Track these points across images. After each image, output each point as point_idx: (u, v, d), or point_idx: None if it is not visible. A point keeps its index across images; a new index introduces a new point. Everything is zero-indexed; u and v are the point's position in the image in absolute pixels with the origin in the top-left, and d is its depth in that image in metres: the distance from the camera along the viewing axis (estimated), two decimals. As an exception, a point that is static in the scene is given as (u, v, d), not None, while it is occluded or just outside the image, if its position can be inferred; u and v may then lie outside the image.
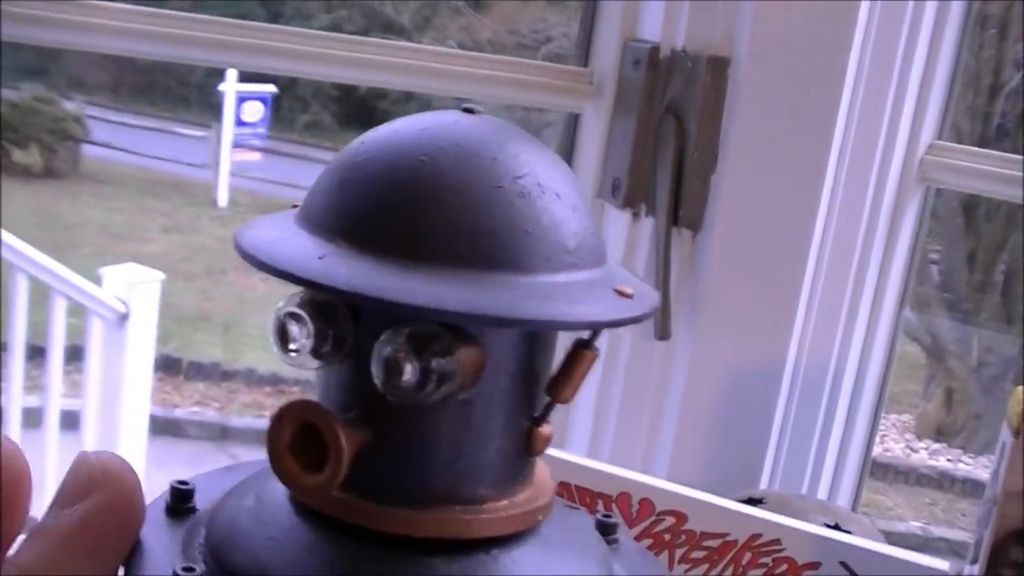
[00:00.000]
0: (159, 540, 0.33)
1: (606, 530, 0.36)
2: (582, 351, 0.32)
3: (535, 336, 0.32)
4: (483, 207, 0.30)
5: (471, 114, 0.33)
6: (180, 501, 0.35)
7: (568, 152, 1.14)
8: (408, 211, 0.30)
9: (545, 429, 0.33)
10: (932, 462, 4.09)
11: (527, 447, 0.33)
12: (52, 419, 2.42)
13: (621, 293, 0.31)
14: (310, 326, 0.30)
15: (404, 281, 0.29)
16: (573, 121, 1.15)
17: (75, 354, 2.62)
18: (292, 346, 0.31)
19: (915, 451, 4.15)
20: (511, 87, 1.12)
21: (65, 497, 0.33)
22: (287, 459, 0.30)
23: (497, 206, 0.31)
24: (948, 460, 4.11)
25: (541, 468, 0.35)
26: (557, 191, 0.32)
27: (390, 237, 0.30)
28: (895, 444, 4.14)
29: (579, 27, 1.16)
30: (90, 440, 2.49)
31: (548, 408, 0.33)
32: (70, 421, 2.52)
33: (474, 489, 0.32)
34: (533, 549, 0.33)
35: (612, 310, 0.31)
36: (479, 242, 0.30)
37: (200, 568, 0.32)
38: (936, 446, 4.14)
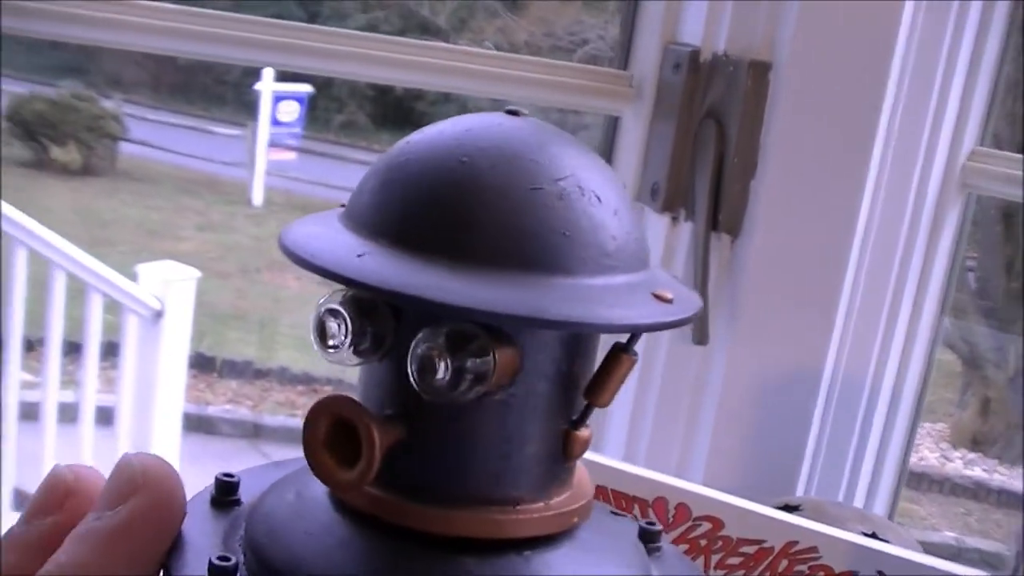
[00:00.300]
0: (201, 531, 0.34)
1: (649, 537, 0.36)
2: (620, 355, 0.32)
3: (573, 339, 0.32)
4: (521, 208, 0.31)
5: (515, 116, 0.33)
6: (224, 493, 0.35)
7: (607, 155, 1.14)
8: (446, 211, 0.31)
9: (583, 433, 0.33)
10: (967, 472, 4.06)
11: (564, 450, 0.33)
12: (87, 415, 2.44)
13: (660, 298, 0.31)
14: (348, 323, 0.31)
15: (439, 280, 0.29)
16: (612, 124, 1.14)
17: (111, 350, 2.64)
18: (330, 342, 0.31)
19: (950, 460, 4.11)
20: (550, 89, 1.12)
21: (107, 499, 0.33)
22: (321, 453, 0.31)
23: (535, 208, 0.31)
24: (983, 470, 4.08)
25: (581, 472, 0.35)
26: (598, 194, 0.32)
27: (428, 236, 0.30)
28: (930, 453, 4.10)
29: (620, 30, 1.16)
30: (124, 436, 2.51)
31: (586, 412, 0.33)
32: (105, 417, 2.54)
33: (508, 490, 0.32)
34: (567, 551, 0.33)
35: (649, 314, 0.31)
36: (516, 243, 0.30)
37: (237, 559, 0.32)
38: (971, 455, 4.11)
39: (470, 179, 0.31)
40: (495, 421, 0.31)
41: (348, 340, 0.31)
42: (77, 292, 2.39)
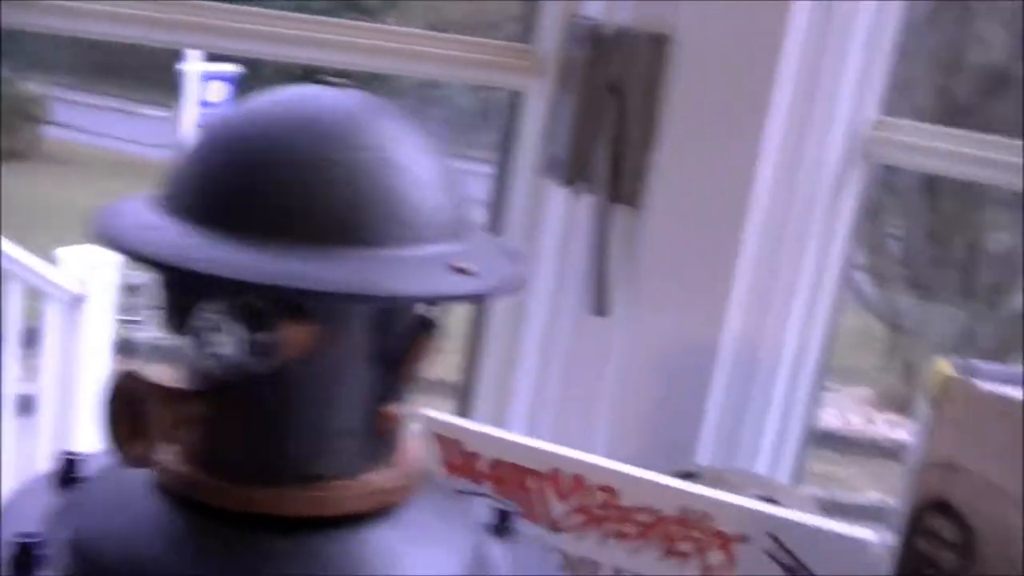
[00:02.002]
0: (32, 506, 0.34)
1: (502, 518, 0.36)
2: (419, 330, 0.32)
3: (377, 314, 0.31)
4: (310, 180, 0.30)
5: (333, 88, 0.32)
6: (68, 471, 0.36)
7: (512, 129, 1.14)
8: (232, 182, 0.30)
9: (394, 409, 0.32)
10: (892, 435, 4.11)
11: (375, 427, 0.32)
12: (6, 403, 2.40)
13: (460, 270, 0.31)
14: (145, 297, 0.31)
15: (213, 251, 0.29)
16: (518, 99, 1.15)
17: (32, 337, 2.60)
18: (126, 316, 0.31)
19: (874, 424, 4.17)
20: (455, 65, 1.12)
21: None
22: (115, 426, 0.31)
23: (326, 179, 0.30)
24: (908, 433, 4.12)
25: (413, 450, 0.34)
26: (403, 165, 0.31)
27: (214, 208, 0.30)
28: (854, 417, 4.15)
29: (524, 5, 1.16)
30: (46, 425, 2.48)
31: (394, 388, 0.32)
32: (26, 406, 2.50)
33: (314, 468, 0.32)
34: (381, 530, 0.32)
35: (434, 287, 0.30)
36: (303, 215, 0.30)
37: (43, 535, 0.32)
38: (896, 418, 4.16)
39: (260, 151, 0.30)
40: (295, 398, 0.31)
41: (146, 315, 0.31)
42: (-4, 279, 2.35)
